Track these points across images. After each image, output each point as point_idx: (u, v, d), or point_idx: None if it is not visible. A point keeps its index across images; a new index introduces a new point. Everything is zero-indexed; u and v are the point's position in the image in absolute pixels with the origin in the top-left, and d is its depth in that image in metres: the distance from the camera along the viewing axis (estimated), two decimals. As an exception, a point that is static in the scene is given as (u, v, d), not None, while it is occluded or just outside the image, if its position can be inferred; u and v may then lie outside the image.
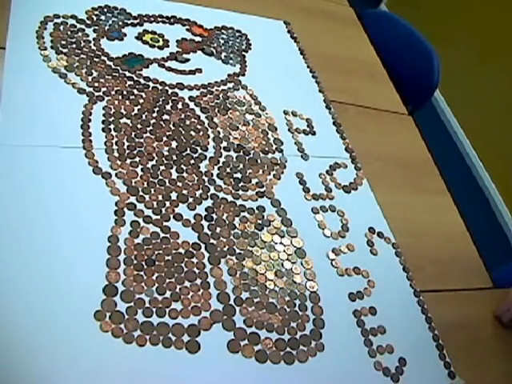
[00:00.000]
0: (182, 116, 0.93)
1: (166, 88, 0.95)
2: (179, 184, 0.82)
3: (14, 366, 0.57)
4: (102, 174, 0.78)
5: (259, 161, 0.93)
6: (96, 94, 0.88)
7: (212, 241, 0.77)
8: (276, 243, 0.82)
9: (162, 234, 0.75)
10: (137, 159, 0.82)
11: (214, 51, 1.09)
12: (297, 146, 0.99)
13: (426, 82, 1.50)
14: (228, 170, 0.88)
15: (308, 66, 1.18)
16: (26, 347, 0.58)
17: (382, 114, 1.20)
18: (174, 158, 0.85)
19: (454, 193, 1.10)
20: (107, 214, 0.74)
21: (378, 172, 1.04)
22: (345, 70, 1.25)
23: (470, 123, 2.51)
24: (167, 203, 0.79)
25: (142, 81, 0.94)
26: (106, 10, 1.04)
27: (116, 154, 0.81)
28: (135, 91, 0.92)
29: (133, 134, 0.85)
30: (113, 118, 0.86)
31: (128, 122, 0.87)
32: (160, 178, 0.82)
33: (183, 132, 0.90)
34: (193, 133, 0.91)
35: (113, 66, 0.94)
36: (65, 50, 0.92)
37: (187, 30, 1.10)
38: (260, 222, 0.83)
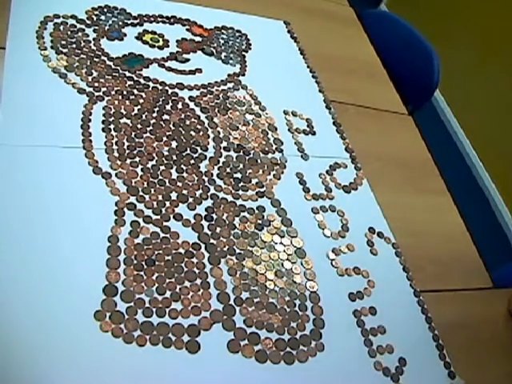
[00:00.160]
0: (182, 116, 0.93)
1: (166, 88, 0.95)
2: (179, 184, 0.82)
3: (14, 365, 0.57)
4: (102, 173, 0.78)
5: (259, 161, 0.93)
6: (96, 93, 0.88)
7: (212, 241, 0.77)
8: (276, 243, 0.82)
9: (162, 234, 0.75)
10: (137, 159, 0.82)
11: (214, 51, 1.09)
12: (297, 146, 0.99)
13: (426, 81, 1.50)
14: (228, 169, 0.88)
15: (308, 66, 1.18)
16: (25, 347, 0.58)
17: (382, 113, 1.20)
18: (174, 157, 0.85)
19: (454, 193, 1.10)
20: (107, 214, 0.74)
21: (377, 172, 1.04)
22: (345, 70, 1.25)
23: (470, 123, 2.51)
24: (167, 203, 0.79)
25: (142, 81, 0.94)
26: (106, 9, 1.04)
27: (116, 154, 0.81)
28: (135, 91, 0.92)
29: (133, 133, 0.85)
30: (113, 118, 0.86)
31: (128, 121, 0.87)
32: (160, 177, 0.82)
33: (183, 132, 0.90)
34: (193, 133, 0.91)
35: (113, 66, 0.94)
36: (65, 50, 0.92)
37: (187, 30, 1.10)
38: (260, 221, 0.83)
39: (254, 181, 0.89)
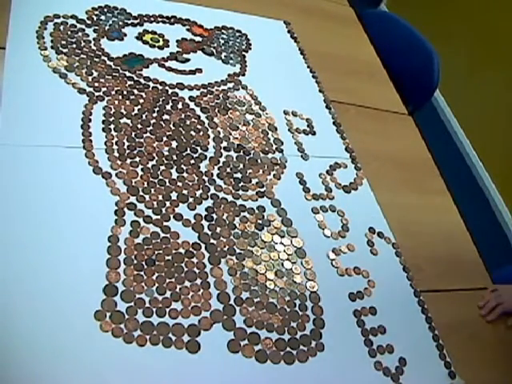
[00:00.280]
0: (182, 116, 0.93)
1: (166, 88, 0.95)
2: (179, 184, 0.82)
3: (14, 365, 0.57)
4: (102, 173, 0.78)
5: (259, 161, 0.93)
6: (96, 93, 0.88)
7: (212, 241, 0.77)
8: (276, 243, 0.82)
9: (162, 234, 0.75)
10: (137, 159, 0.82)
11: (214, 51, 1.09)
12: (297, 146, 0.99)
13: (426, 81, 1.50)
14: (228, 169, 0.88)
15: (308, 66, 1.18)
16: (26, 347, 0.58)
17: (382, 113, 1.20)
18: (174, 157, 0.85)
19: (454, 193, 1.10)
20: (107, 214, 0.74)
21: (377, 172, 1.04)
22: (345, 70, 1.25)
23: (470, 123, 2.51)
24: (167, 203, 0.79)
25: (142, 81, 0.94)
26: (106, 9, 1.04)
27: (116, 154, 0.81)
28: (135, 91, 0.92)
29: (133, 133, 0.85)
30: (113, 118, 0.86)
31: (128, 121, 0.87)
32: (160, 177, 0.82)
33: (183, 132, 0.90)
34: (193, 133, 0.91)
35: (113, 66, 0.94)
36: (65, 50, 0.92)
37: (187, 29, 1.10)
38: (260, 221, 0.83)
39: (254, 181, 0.89)
